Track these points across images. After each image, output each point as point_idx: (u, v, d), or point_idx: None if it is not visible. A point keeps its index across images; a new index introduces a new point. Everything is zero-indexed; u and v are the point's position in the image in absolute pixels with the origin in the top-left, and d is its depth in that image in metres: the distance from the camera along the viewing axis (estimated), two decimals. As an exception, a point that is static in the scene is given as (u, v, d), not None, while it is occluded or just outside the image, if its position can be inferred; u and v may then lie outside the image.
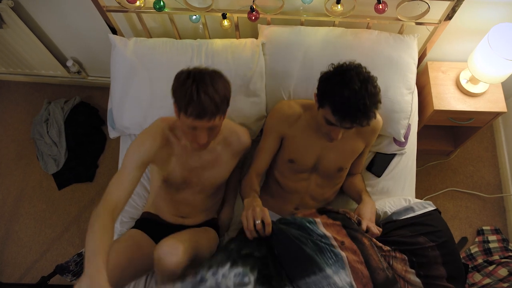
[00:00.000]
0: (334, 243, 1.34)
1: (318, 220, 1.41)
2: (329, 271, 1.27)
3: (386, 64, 1.74)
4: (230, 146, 1.55)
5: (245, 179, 1.67)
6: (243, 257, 1.32)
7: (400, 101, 1.74)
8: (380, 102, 1.37)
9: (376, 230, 1.46)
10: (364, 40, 1.76)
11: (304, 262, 1.29)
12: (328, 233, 1.36)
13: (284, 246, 1.33)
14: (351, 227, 1.43)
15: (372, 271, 1.31)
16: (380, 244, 1.46)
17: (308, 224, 1.38)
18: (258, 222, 1.32)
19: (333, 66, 1.40)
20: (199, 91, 1.25)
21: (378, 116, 1.63)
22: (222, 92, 1.30)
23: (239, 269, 1.26)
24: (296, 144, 1.60)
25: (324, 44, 1.77)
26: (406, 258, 1.44)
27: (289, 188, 1.69)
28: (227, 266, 1.27)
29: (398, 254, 1.44)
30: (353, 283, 1.27)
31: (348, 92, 1.29)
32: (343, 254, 1.31)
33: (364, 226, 1.45)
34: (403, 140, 1.80)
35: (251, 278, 1.25)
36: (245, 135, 1.60)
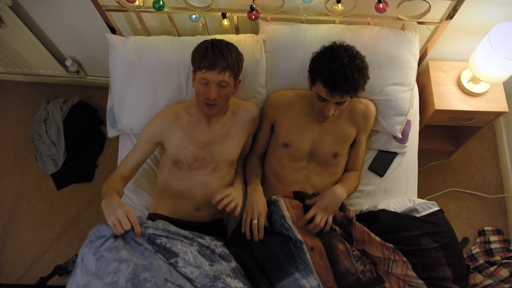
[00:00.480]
0: (305, 249, 1.45)
1: (294, 228, 1.50)
2: (298, 275, 1.42)
3: (385, 60, 1.74)
4: (239, 117, 1.67)
5: (247, 158, 1.81)
6: (232, 252, 1.53)
7: (397, 97, 1.74)
8: (368, 78, 1.49)
9: (320, 221, 1.46)
10: (365, 37, 1.76)
11: (279, 267, 1.45)
12: (301, 238, 1.47)
13: (264, 254, 1.49)
14: (328, 233, 1.51)
15: (339, 276, 1.40)
16: (380, 240, 1.48)
17: (286, 232, 1.50)
18: (254, 222, 1.50)
19: (324, 46, 1.52)
20: (214, 48, 1.48)
21: (370, 103, 1.72)
22: (235, 55, 1.51)
23: (226, 251, 1.48)
24: (289, 128, 1.68)
25: (324, 42, 1.77)
26: (407, 260, 1.44)
27: (289, 179, 1.69)
28: (221, 243, 1.52)
29: (398, 257, 1.45)
30: (321, 286, 1.39)
31: (337, 65, 1.41)
32: (310, 260, 1.43)
33: (309, 215, 1.49)
34: (400, 136, 1.80)
35: (233, 262, 1.45)
36: (251, 106, 1.72)
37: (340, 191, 1.56)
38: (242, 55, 1.56)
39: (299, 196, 1.61)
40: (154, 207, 1.71)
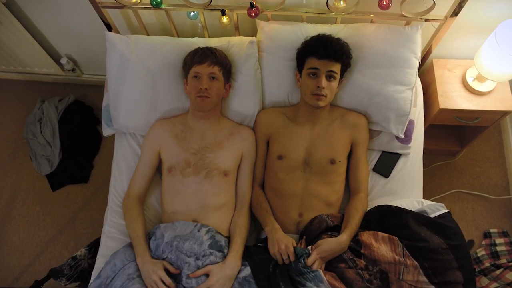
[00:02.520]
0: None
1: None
2: (309, 284, 1.44)
3: (382, 60, 1.74)
4: (233, 136, 1.76)
5: (253, 196, 1.75)
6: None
7: (397, 98, 1.74)
8: (352, 57, 1.69)
9: (318, 268, 1.48)
10: (362, 37, 1.76)
11: (291, 283, 1.49)
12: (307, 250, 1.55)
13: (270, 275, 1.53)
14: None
15: (349, 283, 1.43)
16: (388, 235, 1.50)
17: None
18: (286, 259, 1.53)
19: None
20: (203, 48, 1.72)
21: (361, 116, 1.77)
22: (223, 54, 1.73)
23: None
24: (282, 139, 1.73)
25: None
26: (418, 265, 1.44)
27: (287, 191, 1.69)
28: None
29: (409, 261, 1.45)
30: None
31: (322, 35, 1.68)
32: (320, 270, 1.47)
33: (309, 260, 1.49)
34: (402, 136, 1.80)
35: (242, 272, 1.51)
36: (246, 129, 1.81)
37: (346, 242, 1.54)
38: (230, 62, 1.76)
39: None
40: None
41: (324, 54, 1.59)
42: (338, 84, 1.68)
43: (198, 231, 1.58)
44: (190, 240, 1.54)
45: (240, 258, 1.56)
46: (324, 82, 1.60)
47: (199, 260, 1.53)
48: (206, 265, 1.52)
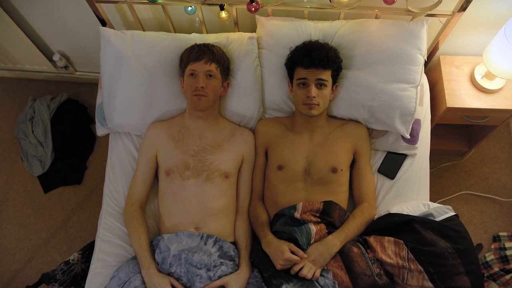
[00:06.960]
0: None
1: (313, 227, 1.60)
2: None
3: (384, 57, 1.74)
4: (233, 137, 1.78)
5: (250, 209, 1.77)
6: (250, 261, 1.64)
7: (401, 96, 1.73)
8: (341, 60, 1.72)
9: (308, 273, 1.49)
10: (364, 33, 1.76)
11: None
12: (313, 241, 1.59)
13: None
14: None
15: (354, 277, 1.46)
16: (394, 239, 1.51)
17: (300, 234, 1.59)
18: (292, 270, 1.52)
19: None
20: (200, 45, 1.72)
21: (361, 124, 1.81)
22: (221, 51, 1.73)
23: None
24: (281, 149, 1.75)
25: (325, 38, 1.79)
26: (423, 269, 1.44)
27: (288, 204, 1.67)
28: (231, 262, 1.62)
29: (413, 266, 1.45)
30: (336, 286, 1.46)
31: (308, 42, 1.71)
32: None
33: (296, 267, 1.51)
34: (408, 136, 1.80)
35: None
36: (247, 131, 1.84)
37: (333, 242, 1.56)
38: (228, 59, 1.76)
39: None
40: (161, 230, 1.74)
41: (310, 63, 1.62)
42: (332, 89, 1.71)
43: (205, 244, 1.59)
44: (198, 253, 1.55)
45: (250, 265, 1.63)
46: (314, 91, 1.63)
47: (210, 271, 1.54)
48: (218, 276, 1.53)
